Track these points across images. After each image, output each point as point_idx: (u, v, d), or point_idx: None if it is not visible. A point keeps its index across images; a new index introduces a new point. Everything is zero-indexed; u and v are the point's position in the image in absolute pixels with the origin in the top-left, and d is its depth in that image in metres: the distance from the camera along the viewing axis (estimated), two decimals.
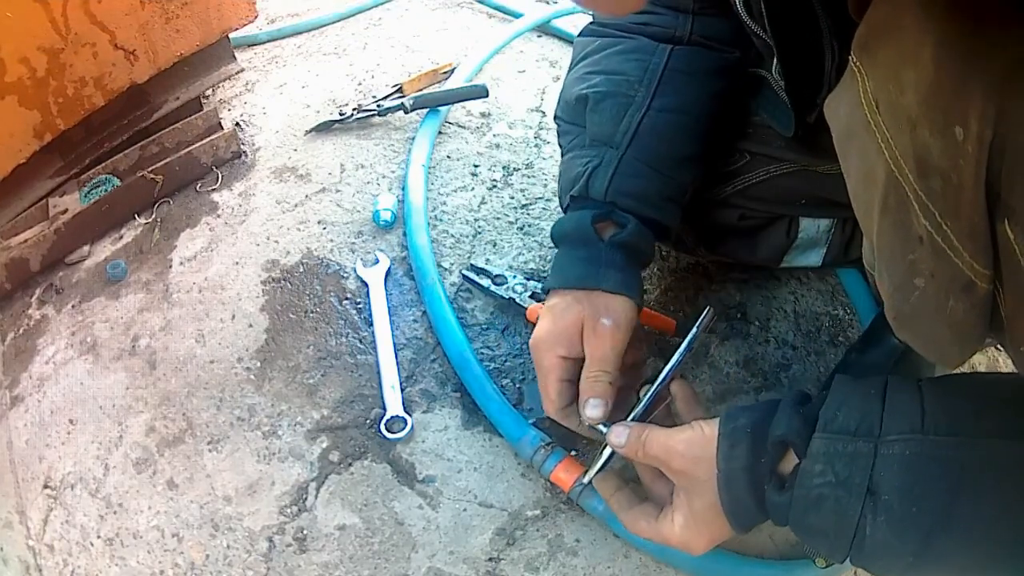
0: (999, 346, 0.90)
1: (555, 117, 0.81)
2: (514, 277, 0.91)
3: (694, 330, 0.66)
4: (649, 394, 0.64)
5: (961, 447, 0.46)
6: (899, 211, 0.44)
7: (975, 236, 0.41)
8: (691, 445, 0.57)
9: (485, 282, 0.91)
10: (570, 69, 0.81)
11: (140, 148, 1.07)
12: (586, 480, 0.66)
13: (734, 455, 0.54)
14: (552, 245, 0.99)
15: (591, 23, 0.82)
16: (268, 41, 1.39)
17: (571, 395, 0.67)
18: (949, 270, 0.43)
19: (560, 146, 0.80)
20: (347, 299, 0.93)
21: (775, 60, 0.63)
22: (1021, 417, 0.47)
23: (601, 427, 0.63)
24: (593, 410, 0.63)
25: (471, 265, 0.94)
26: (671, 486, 0.60)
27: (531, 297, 0.89)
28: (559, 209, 1.04)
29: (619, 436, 0.61)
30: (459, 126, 1.19)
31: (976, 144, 0.38)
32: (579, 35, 0.83)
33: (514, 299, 0.89)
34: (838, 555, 0.50)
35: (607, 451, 0.63)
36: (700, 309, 0.67)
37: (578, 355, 0.66)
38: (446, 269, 0.96)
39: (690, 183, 0.76)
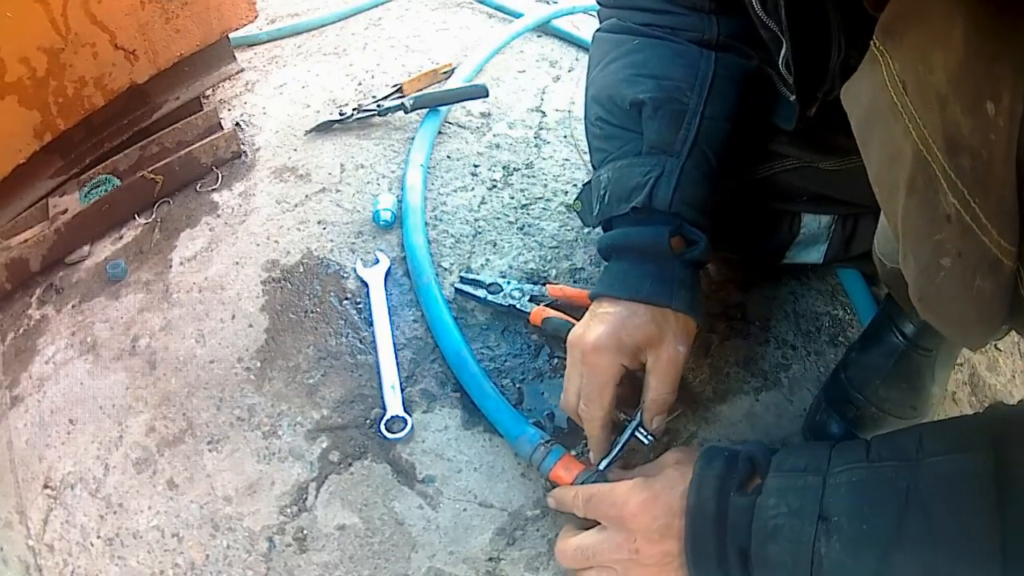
0: (999, 346, 0.90)
1: (596, 119, 0.77)
2: (508, 283, 0.91)
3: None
4: (629, 429, 0.69)
5: (905, 469, 0.50)
6: (927, 191, 0.44)
7: (1003, 213, 0.41)
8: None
9: (480, 293, 0.90)
10: (595, 66, 0.79)
11: (140, 148, 1.07)
12: (602, 467, 0.69)
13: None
14: (552, 245, 1.00)
15: (614, 20, 0.79)
16: (268, 41, 1.40)
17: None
18: (976, 249, 0.43)
19: (600, 150, 0.77)
20: (347, 299, 0.93)
21: (782, 54, 0.63)
22: (960, 435, 0.51)
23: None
24: (661, 423, 0.69)
25: (461, 277, 0.93)
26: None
27: (530, 301, 0.89)
28: (559, 209, 1.04)
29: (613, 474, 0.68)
30: (459, 126, 1.19)
31: (1008, 118, 0.38)
32: (600, 31, 0.80)
33: (514, 305, 0.88)
34: None
35: (623, 439, 0.69)
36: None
37: (637, 367, 0.68)
38: (446, 269, 0.96)
39: (731, 191, 0.76)
